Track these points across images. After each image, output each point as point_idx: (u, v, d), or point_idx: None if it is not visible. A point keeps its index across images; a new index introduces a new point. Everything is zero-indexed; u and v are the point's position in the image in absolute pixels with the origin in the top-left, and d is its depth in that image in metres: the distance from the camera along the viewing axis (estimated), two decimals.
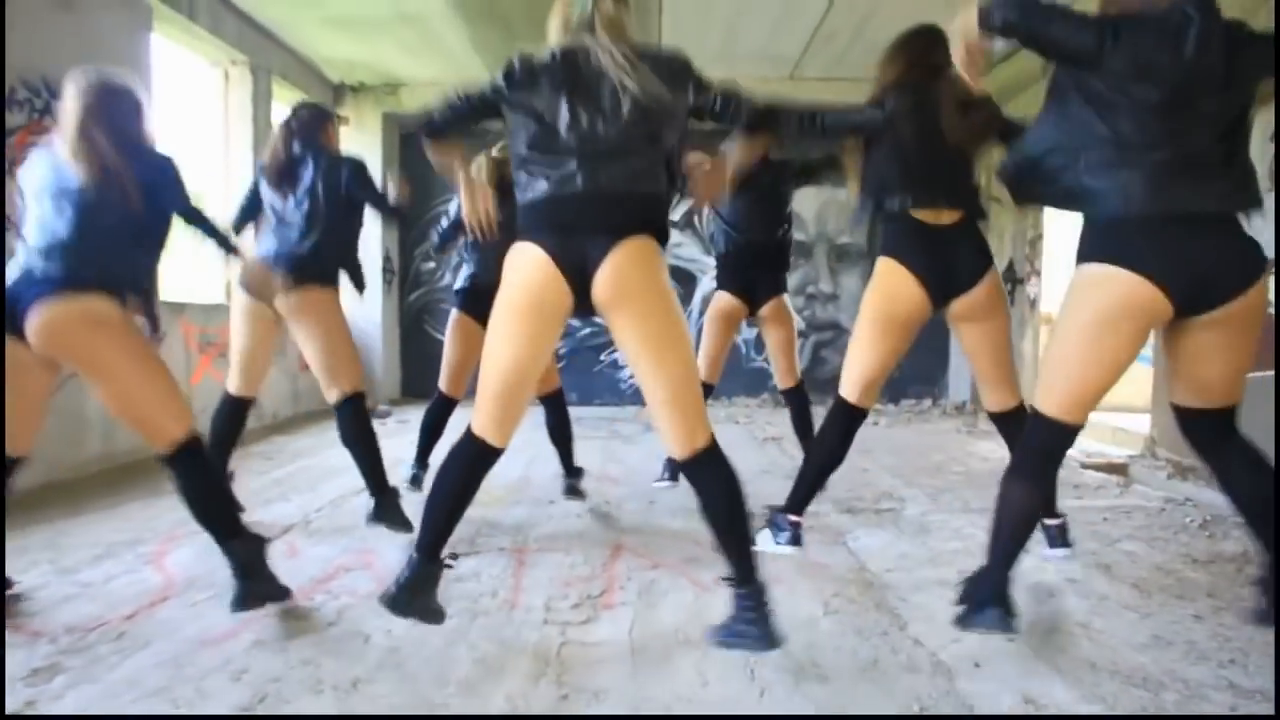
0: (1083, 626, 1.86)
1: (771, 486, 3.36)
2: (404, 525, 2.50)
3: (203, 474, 1.84)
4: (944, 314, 2.15)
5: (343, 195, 2.49)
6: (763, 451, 4.40)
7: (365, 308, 6.43)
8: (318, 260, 2.45)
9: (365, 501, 2.63)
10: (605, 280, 1.52)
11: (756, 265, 2.94)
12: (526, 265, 1.56)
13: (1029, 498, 1.66)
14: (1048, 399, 1.61)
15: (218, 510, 1.86)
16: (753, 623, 1.57)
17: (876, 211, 2.12)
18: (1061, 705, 1.49)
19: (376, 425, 5.07)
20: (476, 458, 1.65)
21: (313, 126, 2.54)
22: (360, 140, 6.04)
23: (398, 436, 4.76)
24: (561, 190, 1.54)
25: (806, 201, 6.58)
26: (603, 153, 1.54)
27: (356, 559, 2.37)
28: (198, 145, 4.84)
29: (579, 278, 1.54)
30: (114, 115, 1.81)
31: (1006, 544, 1.66)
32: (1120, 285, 1.47)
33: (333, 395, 2.47)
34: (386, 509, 2.49)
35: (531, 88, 1.56)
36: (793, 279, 6.97)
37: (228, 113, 4.89)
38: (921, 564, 2.36)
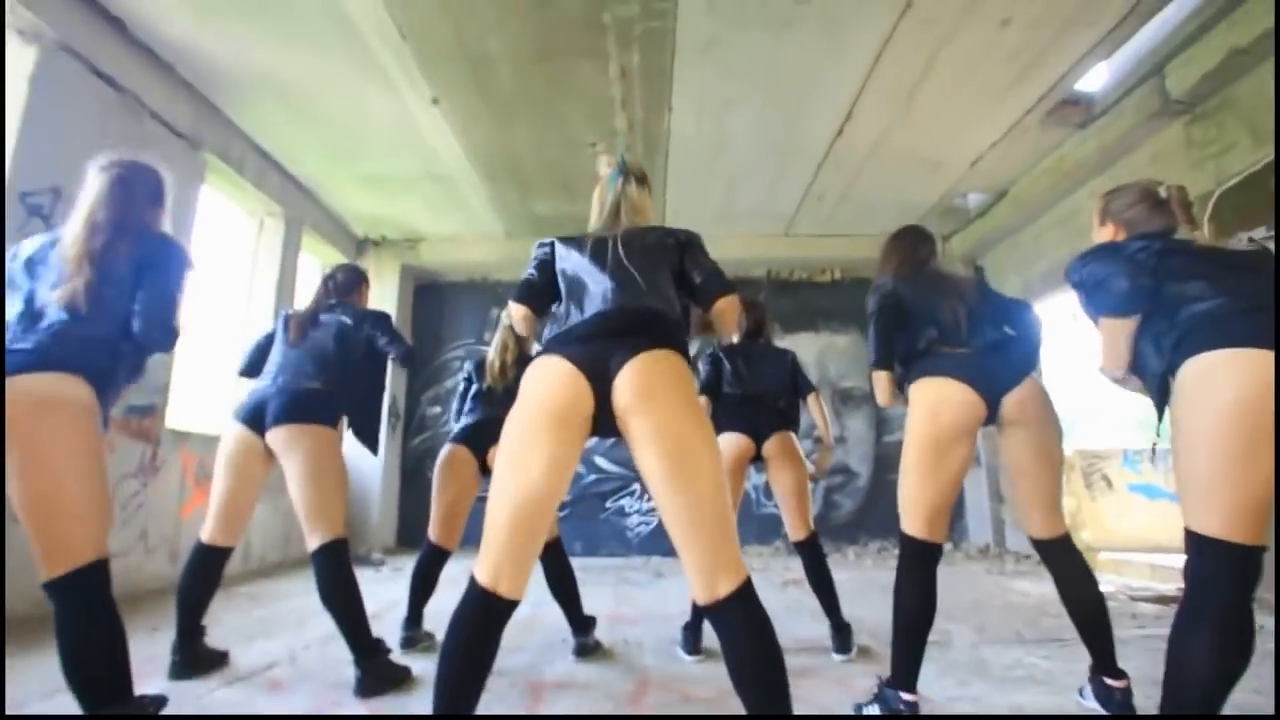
0: None
1: (799, 626, 3.08)
2: (400, 681, 2.20)
3: (99, 609, 1.48)
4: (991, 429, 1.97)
5: (363, 344, 2.48)
6: (785, 593, 4.08)
7: (366, 451, 6.32)
8: (322, 399, 2.34)
9: None
10: (625, 384, 1.40)
11: (760, 403, 2.72)
12: (548, 375, 1.45)
13: (1213, 651, 1.29)
14: (1203, 516, 1.37)
15: (103, 664, 1.46)
16: None
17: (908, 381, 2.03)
18: None
19: (369, 573, 4.86)
20: (488, 616, 1.34)
21: (349, 285, 2.67)
22: (379, 291, 6.31)
23: (391, 583, 4.45)
24: (588, 318, 1.53)
25: (805, 347, 6.74)
26: (626, 292, 1.55)
27: (348, 694, 2.09)
28: (225, 288, 5.03)
29: (601, 384, 1.42)
30: (128, 202, 1.79)
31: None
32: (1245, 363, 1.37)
33: (314, 541, 2.22)
34: (374, 676, 2.15)
35: (566, 259, 1.64)
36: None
37: (256, 259, 5.14)
38: (988, 693, 2.10)
